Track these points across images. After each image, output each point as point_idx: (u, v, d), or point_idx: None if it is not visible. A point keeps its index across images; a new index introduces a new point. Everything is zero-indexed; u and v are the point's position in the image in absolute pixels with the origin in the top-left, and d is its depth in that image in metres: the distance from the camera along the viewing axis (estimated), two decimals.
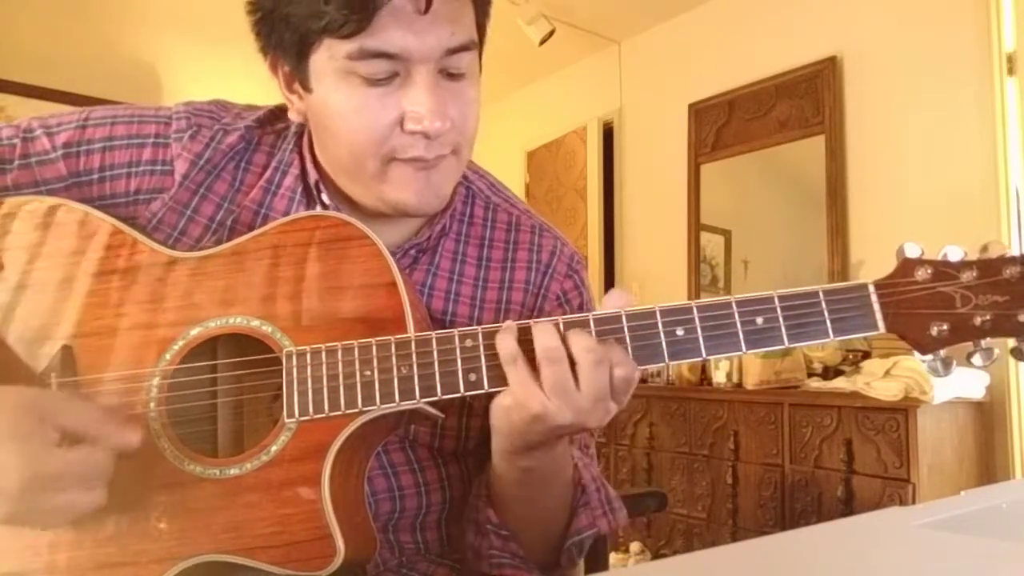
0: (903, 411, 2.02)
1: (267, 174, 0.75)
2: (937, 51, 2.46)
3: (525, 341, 0.59)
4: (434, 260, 0.76)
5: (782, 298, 0.59)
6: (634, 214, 3.59)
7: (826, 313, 0.59)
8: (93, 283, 0.65)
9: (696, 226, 3.22)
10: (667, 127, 3.37)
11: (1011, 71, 2.30)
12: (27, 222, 0.67)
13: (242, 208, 0.73)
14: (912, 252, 0.59)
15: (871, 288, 0.59)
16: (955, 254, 0.58)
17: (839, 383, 2.22)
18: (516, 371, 0.59)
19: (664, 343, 0.59)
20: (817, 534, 0.51)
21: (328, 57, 0.64)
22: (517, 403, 0.59)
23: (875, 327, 0.59)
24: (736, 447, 2.44)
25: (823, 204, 2.72)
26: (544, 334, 0.58)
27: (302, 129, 0.76)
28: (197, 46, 3.29)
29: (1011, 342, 0.59)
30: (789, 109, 2.88)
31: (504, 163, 4.16)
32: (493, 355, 0.60)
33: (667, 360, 0.59)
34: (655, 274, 3.42)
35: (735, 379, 2.51)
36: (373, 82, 0.64)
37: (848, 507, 2.10)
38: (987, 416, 2.26)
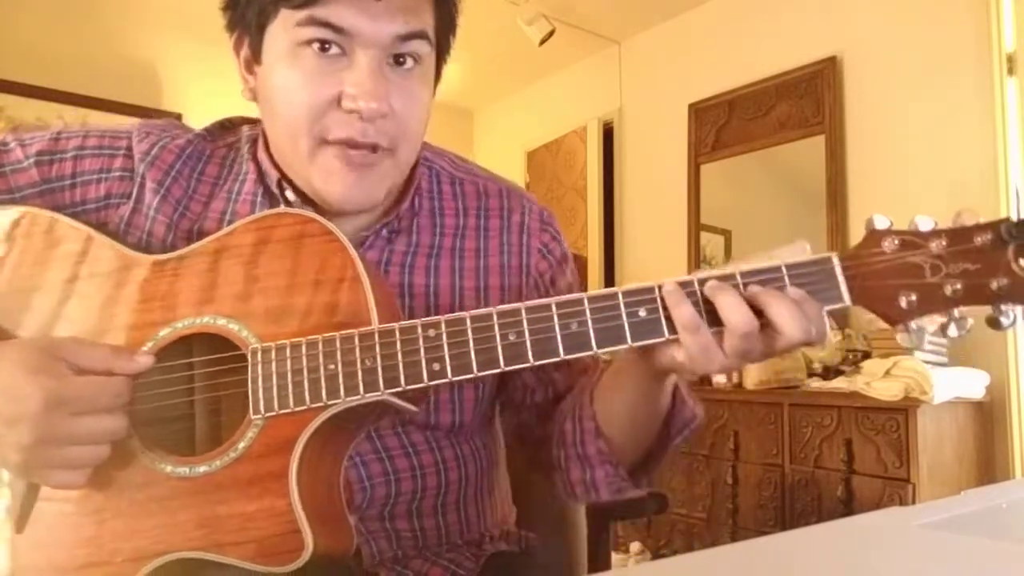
0: (903, 411, 2.02)
1: (227, 185, 0.77)
2: (937, 51, 2.46)
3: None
4: (411, 238, 0.78)
5: (745, 274, 0.58)
6: (634, 214, 3.59)
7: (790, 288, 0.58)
8: (63, 290, 0.67)
9: (696, 226, 3.22)
10: (667, 127, 3.37)
11: (1011, 71, 2.30)
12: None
13: (204, 218, 0.75)
14: (881, 224, 0.58)
15: (835, 260, 0.58)
16: (925, 224, 0.57)
17: (839, 383, 2.22)
18: (698, 339, 0.58)
19: (627, 324, 0.58)
20: (817, 534, 0.51)
21: (281, 29, 0.67)
22: (694, 365, 0.59)
23: (840, 299, 0.58)
24: (736, 447, 2.44)
25: (823, 204, 2.72)
26: (736, 308, 0.57)
27: (253, 137, 0.78)
28: (197, 46, 3.29)
29: (987, 311, 0.56)
30: (789, 109, 2.88)
31: (504, 163, 4.16)
32: (456, 343, 0.59)
33: (630, 342, 0.59)
34: (655, 274, 3.37)
35: (735, 379, 2.51)
36: (317, 56, 0.66)
37: (848, 507, 2.10)
38: (987, 416, 2.26)
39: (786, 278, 0.58)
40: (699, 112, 3.23)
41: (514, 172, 4.17)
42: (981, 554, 0.46)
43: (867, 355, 2.31)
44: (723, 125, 3.13)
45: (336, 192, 0.69)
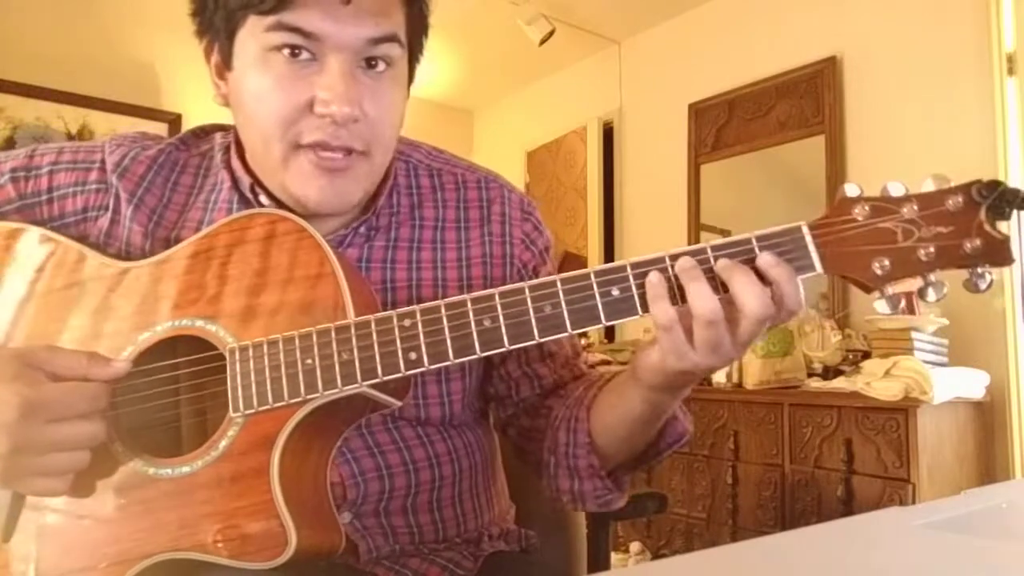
0: (903, 411, 2.02)
1: (202, 195, 0.77)
2: (937, 51, 2.46)
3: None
4: (390, 234, 0.78)
5: (715, 248, 0.58)
6: (634, 214, 3.59)
7: None
8: (44, 300, 0.67)
9: (696, 226, 3.22)
10: (667, 127, 3.37)
11: (1011, 71, 2.30)
12: None
13: (181, 227, 0.75)
14: (851, 192, 0.58)
15: (805, 229, 0.58)
16: (896, 189, 0.57)
17: (839, 383, 2.22)
18: (671, 337, 0.58)
19: (600, 304, 0.59)
20: (817, 534, 0.51)
21: (251, 35, 0.67)
22: (666, 361, 0.60)
23: (812, 268, 0.57)
24: (736, 447, 2.44)
25: (823, 204, 2.71)
26: (703, 296, 0.57)
27: (226, 145, 0.79)
28: (196, 46, 3.28)
29: (964, 275, 0.56)
30: (789, 109, 2.88)
31: (504, 163, 4.16)
32: (431, 332, 0.60)
33: (604, 321, 0.59)
34: None
35: (735, 379, 2.51)
36: (288, 62, 0.66)
37: (848, 507, 2.10)
38: (987, 416, 2.26)
39: (756, 249, 0.58)
40: (699, 112, 3.22)
41: (514, 172, 4.17)
42: (981, 554, 0.46)
43: (867, 355, 2.31)
44: (723, 125, 3.13)
45: (312, 196, 0.70)
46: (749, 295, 0.56)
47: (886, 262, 0.56)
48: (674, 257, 0.58)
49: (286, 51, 0.66)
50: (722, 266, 0.57)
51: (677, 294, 0.58)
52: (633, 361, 0.66)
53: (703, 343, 0.58)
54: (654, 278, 0.58)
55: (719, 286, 0.58)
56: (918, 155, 2.49)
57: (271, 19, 0.65)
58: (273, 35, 0.66)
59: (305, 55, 0.66)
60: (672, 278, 0.58)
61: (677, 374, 0.62)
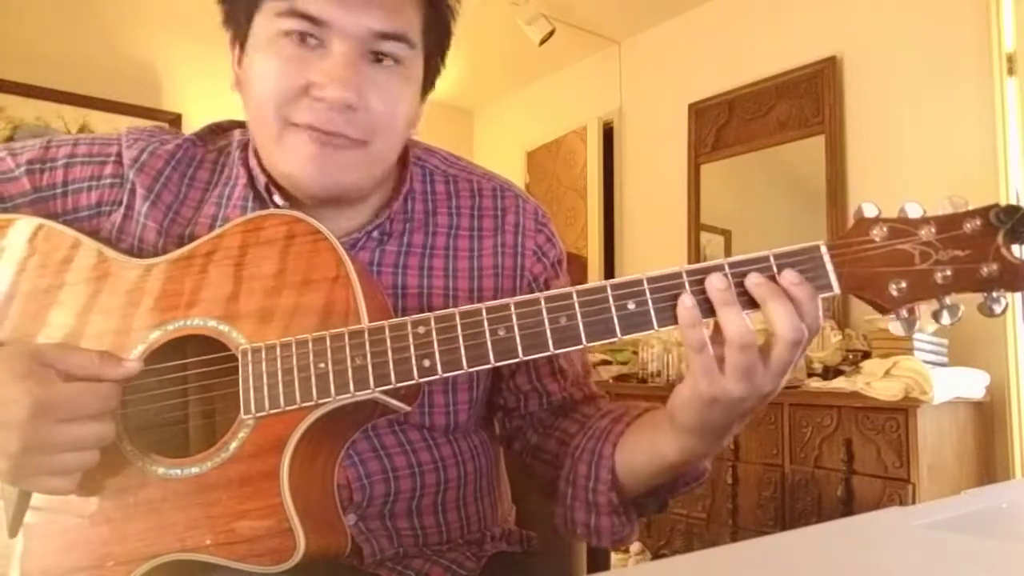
0: (903, 411, 2.02)
1: (216, 190, 0.77)
2: (937, 51, 2.46)
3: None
4: (403, 239, 0.77)
5: (733, 264, 0.58)
6: (634, 214, 3.59)
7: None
8: (53, 295, 0.66)
9: (696, 226, 3.22)
10: (667, 127, 3.37)
11: (1011, 71, 2.30)
12: None
13: (195, 223, 0.75)
14: (870, 212, 0.58)
15: (823, 249, 0.58)
16: (914, 211, 0.57)
17: (839, 383, 2.22)
18: (703, 358, 0.57)
19: (616, 317, 0.58)
20: (817, 534, 0.51)
21: (265, 19, 0.68)
22: (699, 388, 0.59)
23: (830, 288, 0.57)
24: (736, 447, 2.44)
25: (823, 204, 2.72)
26: (736, 320, 0.56)
27: (244, 142, 0.78)
28: (196, 46, 3.29)
29: (978, 298, 0.56)
30: (789, 109, 2.88)
31: (504, 163, 4.16)
32: (445, 340, 0.59)
33: (619, 335, 0.58)
34: None
35: None
36: (295, 45, 0.67)
37: (848, 507, 2.10)
38: (987, 416, 2.26)
39: (774, 267, 0.58)
40: (699, 112, 3.22)
41: (514, 172, 4.17)
42: (981, 554, 0.47)
43: (867, 355, 2.31)
44: (723, 125, 3.13)
45: (297, 172, 0.68)
46: (782, 318, 0.56)
47: (903, 284, 0.56)
48: (691, 272, 0.58)
49: (295, 36, 0.67)
50: (754, 283, 0.57)
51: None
52: (668, 404, 0.65)
53: (734, 368, 0.57)
54: (688, 302, 0.57)
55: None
56: (918, 155, 2.49)
57: (283, 5, 0.66)
58: (284, 21, 0.66)
59: (313, 41, 0.67)
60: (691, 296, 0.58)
61: (709, 404, 0.60)
